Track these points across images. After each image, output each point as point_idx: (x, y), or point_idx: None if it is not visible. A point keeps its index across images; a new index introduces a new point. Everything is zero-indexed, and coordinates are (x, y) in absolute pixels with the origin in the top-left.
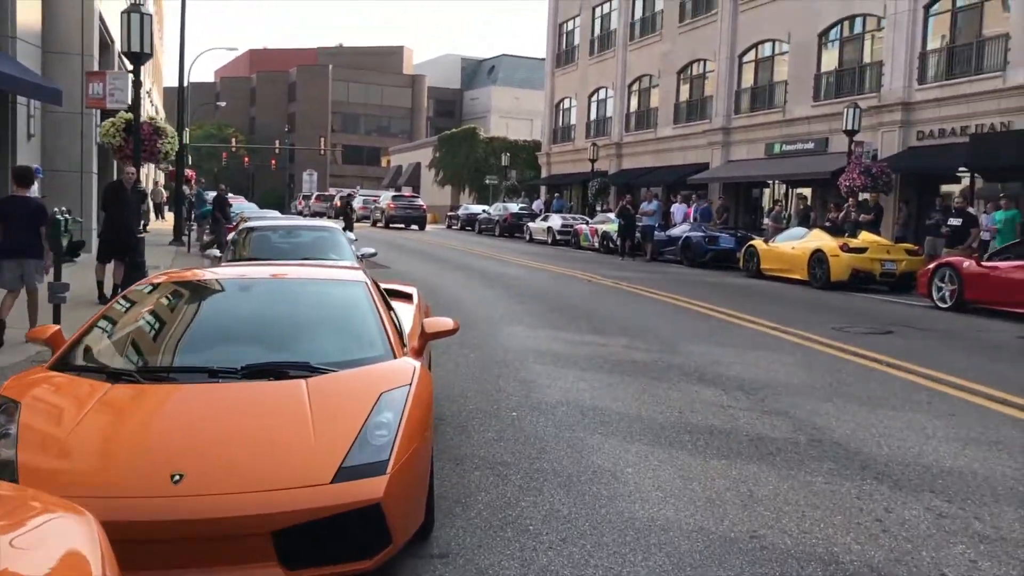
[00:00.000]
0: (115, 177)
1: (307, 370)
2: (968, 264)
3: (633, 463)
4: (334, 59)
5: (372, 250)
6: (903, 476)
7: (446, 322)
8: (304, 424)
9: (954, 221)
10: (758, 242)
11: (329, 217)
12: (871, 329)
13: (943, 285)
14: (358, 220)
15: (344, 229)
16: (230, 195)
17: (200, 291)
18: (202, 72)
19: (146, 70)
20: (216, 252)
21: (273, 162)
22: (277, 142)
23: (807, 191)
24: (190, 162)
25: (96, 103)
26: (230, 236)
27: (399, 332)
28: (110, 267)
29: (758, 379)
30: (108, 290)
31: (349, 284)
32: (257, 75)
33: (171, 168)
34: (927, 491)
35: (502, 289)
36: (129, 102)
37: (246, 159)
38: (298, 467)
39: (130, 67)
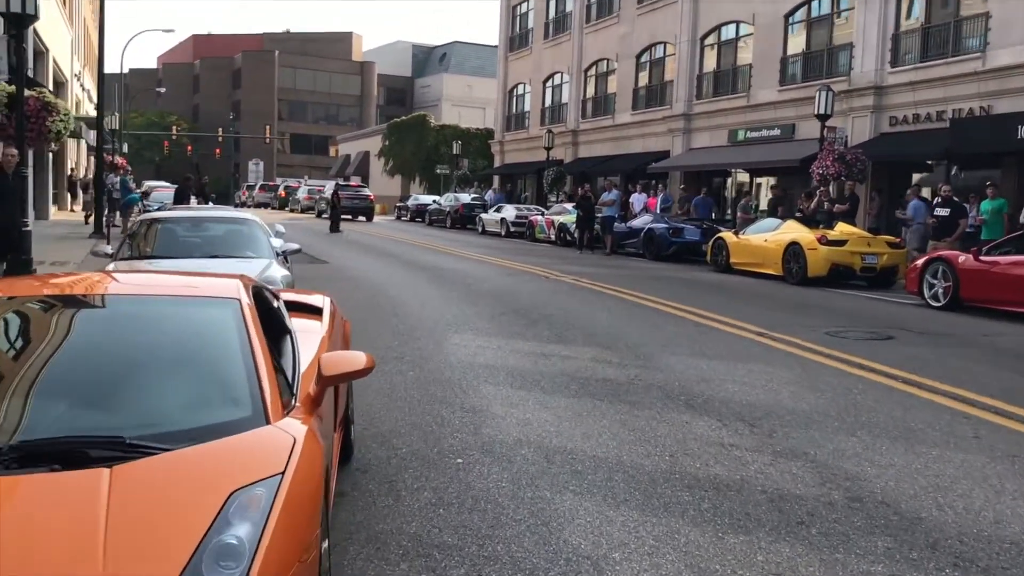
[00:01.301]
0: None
1: (118, 449)
2: (964, 259)
3: (620, 543)
4: (281, 45)
5: (296, 246)
6: (993, 563)
7: (355, 358)
8: (90, 549)
9: (941, 211)
10: (727, 234)
11: (273, 208)
12: (869, 334)
13: (936, 282)
14: (302, 211)
15: (334, 225)
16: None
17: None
18: (144, 58)
19: (75, 52)
20: (107, 248)
21: (217, 151)
22: (220, 130)
23: (770, 179)
24: (125, 150)
25: None
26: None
27: (287, 376)
28: None
29: (758, 403)
30: None
31: (213, 303)
32: (201, 61)
33: (109, 156)
34: None
35: (451, 288)
36: (9, 72)
37: (189, 148)
38: None
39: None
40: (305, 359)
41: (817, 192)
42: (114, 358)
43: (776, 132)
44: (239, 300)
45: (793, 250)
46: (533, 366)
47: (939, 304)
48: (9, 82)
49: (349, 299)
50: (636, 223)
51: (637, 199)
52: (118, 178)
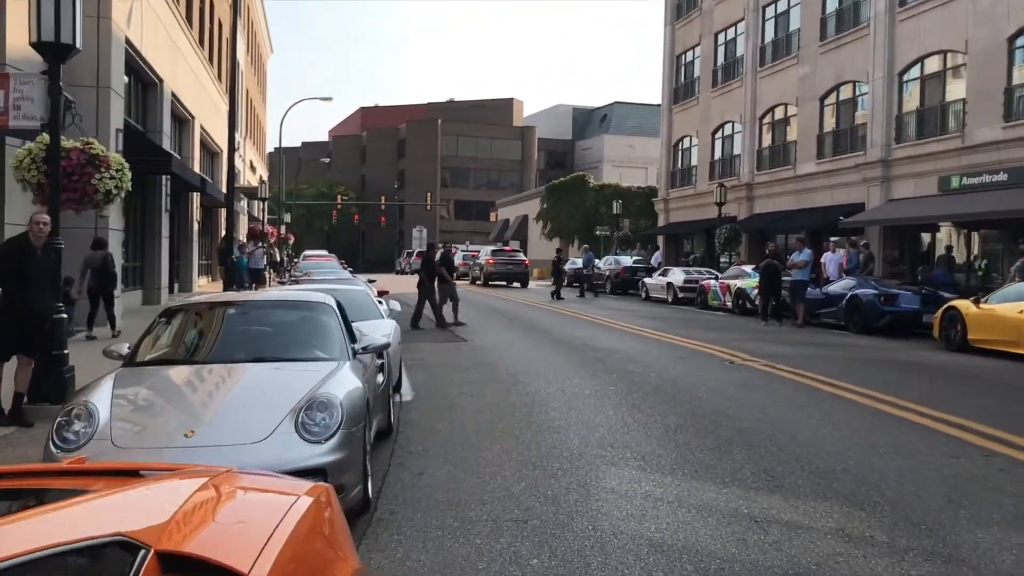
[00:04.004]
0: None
1: None
2: None
3: None
4: (444, 114)
5: (385, 340)
6: None
7: None
8: None
9: None
10: (963, 303)
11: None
12: None
13: None
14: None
15: (556, 290)
16: (315, 252)
17: None
18: (316, 132)
19: (241, 124)
20: (123, 348)
21: (383, 219)
22: (383, 198)
23: (973, 233)
24: (287, 219)
25: None
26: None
27: None
28: (10, 366)
29: None
30: (9, 402)
31: None
32: (368, 133)
33: (269, 228)
34: None
35: (608, 378)
36: (43, 117)
37: (356, 216)
38: None
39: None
40: None
41: None
42: None
43: (1003, 177)
44: None
45: None
46: (741, 549)
47: None
48: (42, 129)
49: (477, 398)
50: (834, 288)
51: (831, 259)
52: (258, 247)
